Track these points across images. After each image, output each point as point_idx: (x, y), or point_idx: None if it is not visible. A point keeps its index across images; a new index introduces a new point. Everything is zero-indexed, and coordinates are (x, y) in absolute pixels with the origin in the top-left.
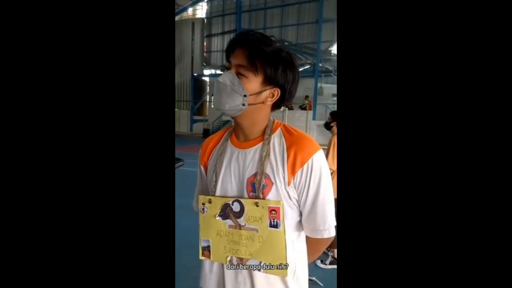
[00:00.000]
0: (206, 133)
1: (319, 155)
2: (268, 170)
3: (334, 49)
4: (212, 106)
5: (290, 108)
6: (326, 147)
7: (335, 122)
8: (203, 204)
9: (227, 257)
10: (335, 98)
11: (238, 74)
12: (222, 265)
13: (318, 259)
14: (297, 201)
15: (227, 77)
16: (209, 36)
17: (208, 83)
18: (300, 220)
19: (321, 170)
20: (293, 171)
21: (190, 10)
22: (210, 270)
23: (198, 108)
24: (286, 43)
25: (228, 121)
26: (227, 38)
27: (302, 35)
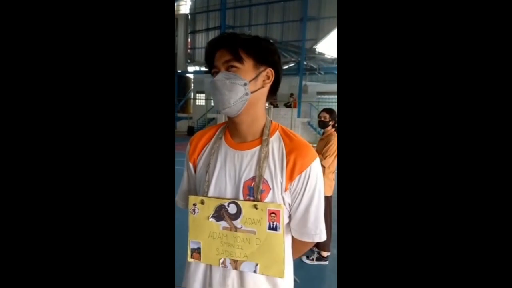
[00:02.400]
0: (191, 131)
1: (317, 163)
2: (266, 175)
3: (318, 47)
4: (216, 109)
5: (275, 106)
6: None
7: (333, 121)
8: (194, 205)
9: (219, 259)
10: (319, 96)
11: (229, 69)
12: (210, 267)
13: (304, 254)
14: (289, 205)
15: (221, 76)
16: (193, 32)
17: (192, 80)
18: (288, 223)
19: (317, 177)
20: (291, 178)
21: None
22: (195, 271)
23: (182, 106)
24: (270, 41)
25: (213, 118)
26: (212, 34)
27: (287, 33)
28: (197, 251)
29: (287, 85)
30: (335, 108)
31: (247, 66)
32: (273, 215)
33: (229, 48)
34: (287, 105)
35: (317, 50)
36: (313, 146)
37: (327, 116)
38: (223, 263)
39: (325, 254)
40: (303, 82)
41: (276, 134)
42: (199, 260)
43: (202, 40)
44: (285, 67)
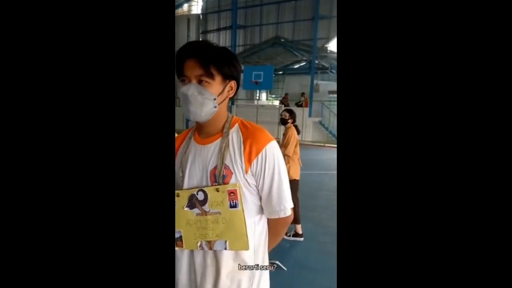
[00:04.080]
0: None
1: (272, 145)
2: (227, 162)
3: (330, 46)
4: (186, 117)
5: (286, 105)
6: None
7: (291, 119)
8: None
9: (197, 243)
10: (331, 95)
11: (200, 82)
12: (192, 251)
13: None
14: (256, 187)
15: (194, 89)
16: (205, 32)
17: None
18: (261, 204)
19: (274, 158)
20: (249, 161)
21: (185, 6)
22: (181, 258)
23: None
24: (282, 40)
25: None
26: (223, 34)
27: (298, 32)
28: (179, 239)
29: (298, 84)
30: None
31: (217, 81)
32: (232, 194)
33: (201, 62)
34: (298, 105)
35: (328, 48)
36: (324, 146)
37: (287, 115)
38: (200, 246)
39: (299, 231)
40: (315, 81)
41: (236, 126)
42: (182, 247)
43: (213, 40)
44: (296, 66)
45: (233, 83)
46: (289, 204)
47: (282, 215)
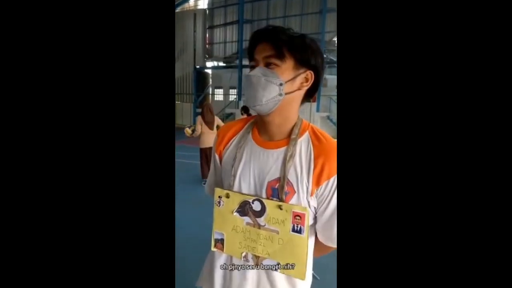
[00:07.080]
0: None
1: None
2: (292, 178)
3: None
4: (243, 104)
5: None
6: None
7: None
8: (220, 197)
9: (241, 252)
10: None
11: (268, 65)
12: (231, 258)
13: None
14: (315, 208)
15: (259, 71)
16: (211, 27)
17: (210, 76)
18: (313, 224)
19: None
20: (318, 183)
21: (191, 1)
22: (218, 260)
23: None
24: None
25: (231, 114)
26: (230, 29)
27: (306, 25)
28: (220, 242)
29: None
30: None
31: (287, 65)
32: (297, 217)
33: (272, 43)
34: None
35: (336, 42)
36: None
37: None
38: (245, 256)
39: None
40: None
41: (306, 135)
42: (222, 250)
43: (220, 35)
44: None
45: (309, 73)
46: None
47: None
